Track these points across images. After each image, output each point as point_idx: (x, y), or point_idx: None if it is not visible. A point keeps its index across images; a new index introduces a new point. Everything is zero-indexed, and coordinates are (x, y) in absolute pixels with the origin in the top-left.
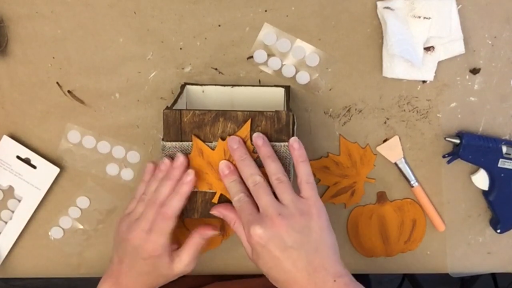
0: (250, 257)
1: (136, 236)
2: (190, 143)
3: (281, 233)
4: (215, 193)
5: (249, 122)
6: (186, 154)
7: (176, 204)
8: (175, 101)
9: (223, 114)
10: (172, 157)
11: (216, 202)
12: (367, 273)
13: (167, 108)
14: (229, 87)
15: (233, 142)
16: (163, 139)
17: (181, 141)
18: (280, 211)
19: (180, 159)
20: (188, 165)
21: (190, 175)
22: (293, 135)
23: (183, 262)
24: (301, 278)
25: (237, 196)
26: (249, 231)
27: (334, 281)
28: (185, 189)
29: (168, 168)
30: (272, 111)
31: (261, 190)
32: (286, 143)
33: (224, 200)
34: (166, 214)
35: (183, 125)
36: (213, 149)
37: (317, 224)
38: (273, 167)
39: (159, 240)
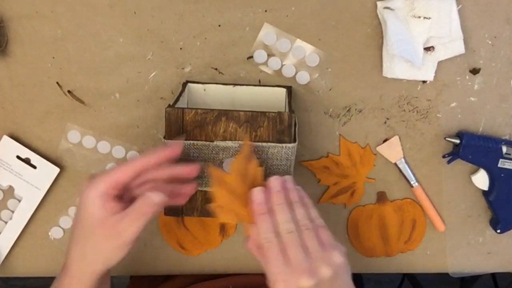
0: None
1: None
2: (191, 142)
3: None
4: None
5: (247, 142)
6: (188, 155)
7: (119, 172)
8: (177, 99)
9: (225, 114)
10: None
11: (249, 234)
12: (360, 273)
13: (169, 106)
14: (231, 86)
15: (277, 183)
16: (164, 137)
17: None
18: (326, 259)
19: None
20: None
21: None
22: (295, 137)
23: (127, 226)
24: None
25: (270, 234)
26: (273, 284)
27: None
28: (136, 164)
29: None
30: (275, 112)
31: (296, 240)
32: (288, 145)
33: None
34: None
35: (185, 124)
36: (228, 173)
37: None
38: (302, 213)
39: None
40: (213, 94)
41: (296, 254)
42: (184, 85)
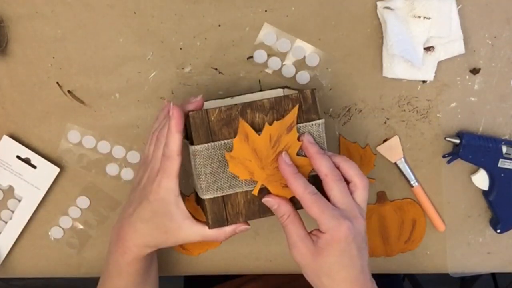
0: (303, 261)
1: (146, 176)
2: (222, 142)
3: (362, 232)
4: (257, 190)
5: (296, 108)
6: (223, 157)
7: (172, 141)
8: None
9: (249, 105)
10: (206, 166)
11: (256, 193)
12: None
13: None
14: (229, 99)
15: (287, 158)
16: (191, 144)
17: (212, 141)
18: (360, 212)
19: (166, 105)
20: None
21: (172, 107)
22: (320, 112)
23: (193, 227)
24: (360, 276)
25: (309, 188)
26: (340, 224)
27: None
28: (172, 122)
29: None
30: (296, 92)
31: (345, 187)
32: (318, 121)
33: (264, 193)
34: (166, 154)
35: (211, 124)
36: (258, 134)
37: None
38: (331, 163)
39: (165, 182)
40: None
41: (350, 199)
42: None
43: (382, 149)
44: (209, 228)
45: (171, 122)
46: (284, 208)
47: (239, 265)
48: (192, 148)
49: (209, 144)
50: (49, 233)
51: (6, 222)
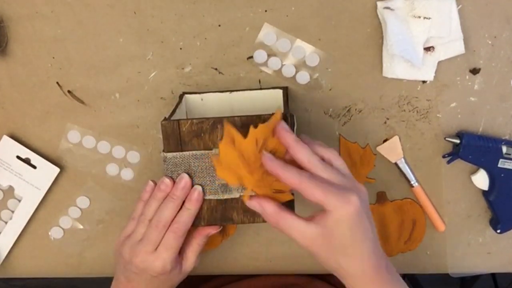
0: (314, 248)
1: (141, 259)
2: (191, 152)
3: (367, 201)
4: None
5: (279, 112)
6: (189, 166)
7: (187, 220)
8: (173, 111)
9: (220, 121)
10: (173, 172)
11: (247, 199)
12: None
13: (165, 119)
14: (228, 93)
15: (285, 126)
16: (163, 151)
17: (181, 151)
18: (354, 181)
19: (185, 179)
20: (192, 185)
21: (198, 189)
22: None
23: (189, 261)
24: (376, 249)
25: (304, 174)
26: (349, 200)
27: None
28: (195, 206)
29: (168, 188)
30: (270, 114)
31: (328, 166)
32: None
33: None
34: (179, 231)
35: (182, 135)
36: (244, 138)
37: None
38: (309, 151)
39: (168, 257)
40: (211, 103)
41: (346, 172)
42: (181, 96)
43: (382, 149)
44: None
45: (193, 204)
46: (268, 207)
47: (239, 265)
48: (162, 154)
49: (177, 153)
50: (49, 233)
51: (6, 222)
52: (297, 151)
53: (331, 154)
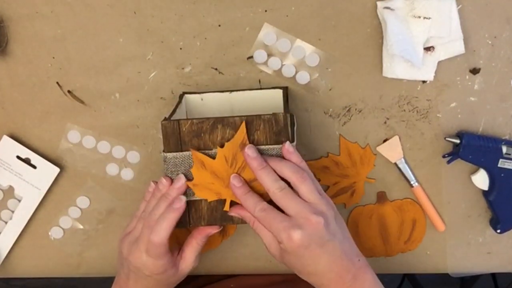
0: (278, 259)
1: (136, 257)
2: (191, 152)
3: (320, 231)
4: (219, 200)
5: (243, 125)
6: (189, 166)
7: (163, 231)
8: (174, 111)
9: (220, 121)
10: (173, 172)
11: (227, 209)
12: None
13: (165, 119)
14: (228, 93)
15: (251, 151)
16: (163, 151)
17: (181, 151)
18: (313, 210)
19: (182, 180)
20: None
21: (181, 202)
22: (292, 137)
23: (188, 262)
24: (336, 265)
25: (258, 206)
26: (289, 237)
27: (359, 260)
28: (173, 215)
29: (165, 188)
30: (270, 114)
31: (289, 194)
32: None
33: (234, 203)
34: (154, 242)
35: (182, 135)
36: (213, 158)
37: (335, 212)
38: (273, 177)
39: (157, 262)
40: (211, 103)
41: (297, 203)
42: (181, 96)
43: (382, 149)
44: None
45: (171, 214)
46: (248, 216)
47: (239, 265)
48: (163, 154)
49: (177, 153)
50: (49, 233)
51: (6, 222)
52: (260, 177)
53: (299, 177)
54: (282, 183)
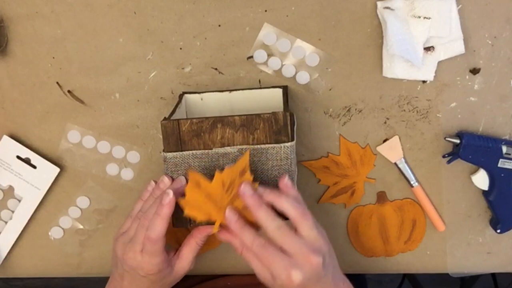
0: (270, 286)
1: (131, 257)
2: (191, 152)
3: (319, 271)
4: (216, 228)
5: (247, 154)
6: (189, 166)
7: (158, 227)
8: (173, 111)
9: (220, 120)
10: (173, 172)
11: (216, 231)
12: (364, 273)
13: (165, 119)
14: (227, 93)
15: (247, 189)
16: (163, 151)
17: (181, 150)
18: (313, 248)
19: (182, 182)
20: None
21: (168, 196)
22: (292, 135)
23: (184, 263)
24: None
25: (256, 241)
26: (289, 277)
27: (343, 284)
28: (165, 211)
29: (167, 187)
30: (269, 113)
31: (287, 232)
32: (286, 144)
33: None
34: (151, 238)
35: (182, 135)
36: (210, 181)
37: (328, 244)
38: (270, 216)
39: (152, 260)
40: (211, 103)
41: (296, 241)
42: (181, 96)
43: (382, 149)
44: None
45: (164, 210)
46: (237, 243)
47: (239, 265)
48: (163, 154)
49: (177, 153)
50: (49, 233)
51: (6, 222)
52: (256, 215)
53: (300, 212)
54: (280, 221)
